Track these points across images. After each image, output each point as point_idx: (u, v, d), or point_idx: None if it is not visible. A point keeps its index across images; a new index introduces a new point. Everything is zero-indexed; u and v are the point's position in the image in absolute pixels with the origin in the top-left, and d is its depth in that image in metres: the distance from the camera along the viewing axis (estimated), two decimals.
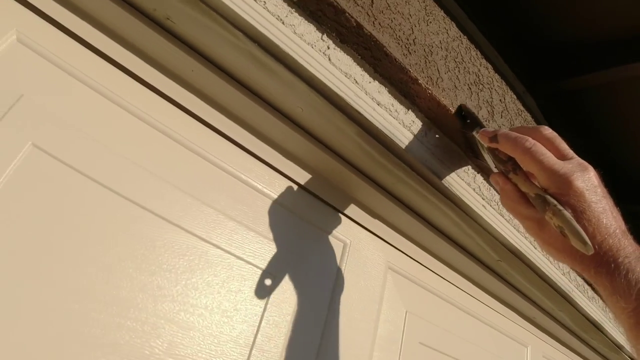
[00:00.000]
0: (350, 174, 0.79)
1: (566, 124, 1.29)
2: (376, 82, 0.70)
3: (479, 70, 0.89)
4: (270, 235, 0.73)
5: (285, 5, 0.63)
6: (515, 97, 1.02)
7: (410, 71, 0.69)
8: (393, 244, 0.92)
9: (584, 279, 1.18)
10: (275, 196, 0.76)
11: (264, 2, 0.61)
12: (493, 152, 0.62)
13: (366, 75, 0.69)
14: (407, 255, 0.95)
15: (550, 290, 1.10)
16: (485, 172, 0.86)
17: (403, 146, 0.72)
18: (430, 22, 0.80)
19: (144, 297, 0.59)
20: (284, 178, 0.78)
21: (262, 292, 0.70)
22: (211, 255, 0.66)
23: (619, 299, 0.47)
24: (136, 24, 0.63)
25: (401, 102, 0.73)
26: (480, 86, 0.87)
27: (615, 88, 1.23)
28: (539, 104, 1.15)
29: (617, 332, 1.43)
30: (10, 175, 0.53)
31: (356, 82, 0.67)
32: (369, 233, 0.88)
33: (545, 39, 1.16)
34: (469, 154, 0.81)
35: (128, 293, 0.58)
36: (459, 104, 0.75)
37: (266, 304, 0.69)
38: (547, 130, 0.57)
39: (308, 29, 0.64)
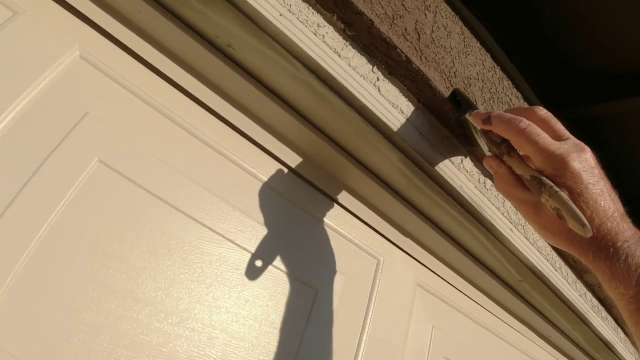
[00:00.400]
0: (388, 195, 0.83)
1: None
2: (419, 111, 0.74)
3: (510, 100, 0.93)
4: (320, 256, 0.78)
5: (340, 38, 0.67)
6: None
7: None
8: (422, 262, 0.96)
9: (569, 263, 1.20)
10: (328, 221, 0.80)
11: (323, 35, 0.65)
12: (487, 134, 0.60)
13: (410, 106, 0.73)
14: (435, 274, 0.99)
15: (567, 310, 1.14)
16: (480, 160, 0.84)
17: (441, 172, 0.76)
18: (469, 54, 0.84)
19: (200, 308, 0.63)
20: (341, 209, 0.83)
21: (304, 307, 0.74)
22: (265, 272, 0.71)
23: (619, 285, 0.46)
24: (197, 48, 0.67)
25: (441, 132, 0.77)
26: None
27: (633, 117, 1.27)
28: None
29: (627, 352, 1.46)
30: (77, 190, 0.57)
31: (402, 112, 0.72)
32: (400, 251, 0.92)
33: (569, 67, 1.20)
34: (462, 141, 0.79)
35: (187, 304, 0.62)
36: (453, 89, 0.74)
37: (308, 317, 0.73)
38: (542, 111, 0.56)
39: (360, 62, 0.69)
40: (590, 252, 0.48)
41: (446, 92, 0.73)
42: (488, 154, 0.67)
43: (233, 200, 0.71)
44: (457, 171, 0.79)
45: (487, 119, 0.59)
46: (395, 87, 0.72)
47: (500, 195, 0.87)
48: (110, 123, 0.62)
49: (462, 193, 0.79)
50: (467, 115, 0.66)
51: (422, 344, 0.91)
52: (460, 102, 0.71)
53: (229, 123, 0.73)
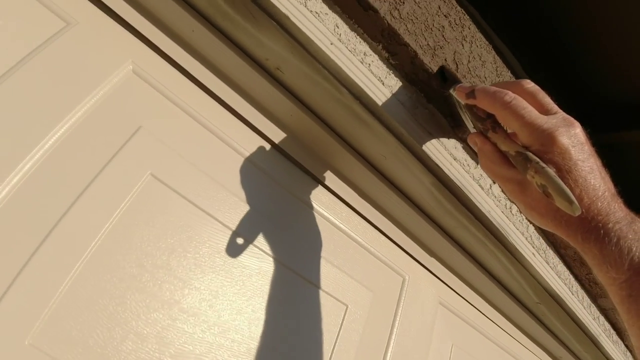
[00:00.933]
0: (417, 216, 0.85)
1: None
2: (453, 139, 0.77)
3: None
4: (351, 272, 0.80)
5: (384, 67, 0.70)
6: None
7: None
8: (445, 281, 0.98)
9: (585, 287, 1.22)
10: (357, 238, 0.83)
11: (369, 64, 0.68)
12: (471, 109, 0.57)
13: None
14: (457, 293, 1.01)
15: (580, 333, 1.16)
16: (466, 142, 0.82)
17: (471, 196, 0.79)
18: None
19: (241, 319, 0.66)
20: (371, 226, 0.85)
21: (335, 323, 0.76)
22: (300, 286, 0.73)
23: (609, 269, 0.43)
24: (247, 69, 0.70)
25: (472, 158, 0.80)
26: None
27: None
28: None
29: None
30: (130, 203, 0.60)
31: (438, 138, 0.74)
32: (425, 269, 0.95)
33: (592, 93, 1.22)
34: (450, 123, 0.77)
35: (228, 316, 0.65)
36: (441, 65, 0.72)
37: (338, 332, 0.76)
38: (529, 84, 0.52)
39: (402, 92, 0.71)
40: (579, 233, 0.45)
41: None
42: (472, 131, 0.64)
43: (277, 219, 0.74)
44: (486, 196, 0.81)
45: (470, 92, 0.55)
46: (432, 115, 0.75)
47: (525, 220, 0.90)
48: (161, 138, 0.65)
49: (489, 217, 0.82)
50: (451, 91, 0.63)
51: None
52: (446, 77, 0.68)
53: (272, 142, 0.76)
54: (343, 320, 0.77)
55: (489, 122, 0.53)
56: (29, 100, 0.55)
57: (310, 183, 0.79)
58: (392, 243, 0.89)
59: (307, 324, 0.72)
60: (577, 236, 0.46)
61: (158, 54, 0.69)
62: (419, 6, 0.73)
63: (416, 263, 0.93)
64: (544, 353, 1.31)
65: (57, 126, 0.56)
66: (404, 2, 0.70)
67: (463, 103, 0.59)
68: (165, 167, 0.64)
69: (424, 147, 0.72)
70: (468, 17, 0.84)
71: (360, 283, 0.81)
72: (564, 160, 0.45)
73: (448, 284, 0.99)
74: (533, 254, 0.91)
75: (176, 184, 0.64)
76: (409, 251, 0.92)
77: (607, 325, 1.25)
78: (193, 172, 0.67)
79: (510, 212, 0.86)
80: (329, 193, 0.81)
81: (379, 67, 0.69)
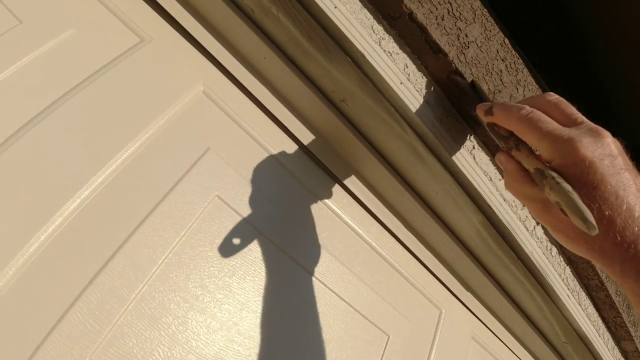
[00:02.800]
0: (460, 251, 0.87)
1: None
2: (504, 180, 0.79)
3: None
4: (393, 303, 0.81)
5: (446, 106, 0.72)
6: None
7: None
8: (479, 317, 0.99)
9: (611, 329, 1.23)
10: (399, 268, 0.84)
11: (433, 106, 0.70)
12: (493, 128, 0.54)
13: (498, 174, 0.78)
14: (489, 329, 1.02)
15: None
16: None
17: (517, 237, 0.80)
18: None
19: (291, 343, 0.67)
20: (413, 257, 0.86)
21: (377, 352, 0.77)
22: (349, 315, 0.75)
23: None
24: (313, 99, 0.72)
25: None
26: None
27: None
28: None
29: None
30: (197, 223, 0.62)
31: (491, 179, 0.76)
32: (460, 304, 0.96)
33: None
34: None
35: (280, 339, 0.66)
36: (471, 80, 0.70)
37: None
38: (552, 96, 0.48)
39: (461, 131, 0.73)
40: (616, 263, 0.38)
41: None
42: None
43: (336, 253, 0.75)
44: (530, 237, 0.82)
45: (489, 109, 0.52)
46: (487, 156, 0.76)
47: (563, 262, 0.91)
48: (228, 160, 0.67)
49: (531, 258, 0.83)
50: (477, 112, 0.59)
51: None
52: (478, 94, 0.65)
53: (333, 175, 0.77)
54: (384, 350, 0.78)
55: (511, 140, 0.50)
56: (101, 115, 0.57)
57: (361, 212, 0.81)
58: (431, 275, 0.90)
59: (354, 354, 0.73)
60: (615, 267, 0.39)
61: (228, 78, 0.71)
62: (481, 50, 0.75)
63: (453, 296, 0.94)
64: None
65: (129, 143, 0.58)
66: (468, 46, 0.73)
67: (485, 122, 0.56)
68: (231, 190, 0.66)
69: (477, 187, 0.74)
70: (521, 61, 0.87)
71: (401, 313, 0.82)
72: (588, 175, 0.39)
73: (481, 319, 1.00)
74: (567, 295, 0.92)
75: (240, 207, 0.66)
76: (447, 284, 0.93)
77: None
78: (256, 195, 0.68)
79: (550, 253, 0.87)
80: (377, 224, 0.83)
81: (444, 106, 0.71)
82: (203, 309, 0.59)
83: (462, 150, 0.72)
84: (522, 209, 0.81)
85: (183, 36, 0.69)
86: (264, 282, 0.66)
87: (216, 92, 0.69)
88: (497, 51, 0.81)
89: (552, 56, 1.03)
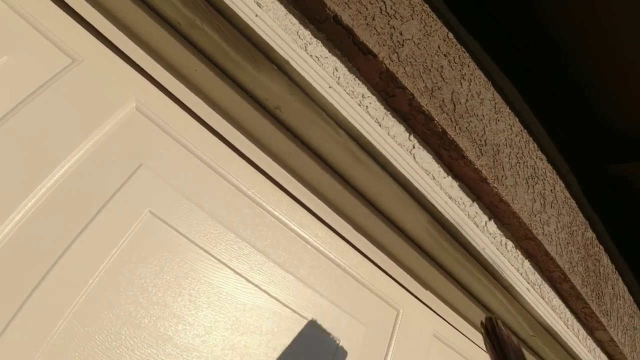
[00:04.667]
0: (413, 251, 0.87)
1: (607, 207, 1.38)
2: (449, 178, 0.79)
3: (535, 163, 0.98)
4: (344, 306, 0.82)
5: (382, 108, 0.72)
6: (563, 185, 1.10)
7: (482, 172, 0.78)
8: (440, 314, 1.01)
9: (582, 320, 1.24)
10: (351, 271, 0.85)
11: (367, 106, 0.70)
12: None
13: (442, 172, 0.78)
14: (452, 325, 1.03)
15: None
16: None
17: (466, 234, 0.81)
18: (499, 120, 0.89)
19: (233, 354, 0.68)
20: (367, 260, 0.87)
21: (326, 357, 0.78)
22: (294, 322, 0.75)
23: None
24: (247, 108, 0.73)
25: (468, 196, 0.82)
26: (535, 179, 0.96)
27: None
28: (584, 189, 1.24)
29: None
30: (129, 240, 0.63)
31: (433, 177, 0.76)
32: (419, 302, 0.97)
33: (596, 127, 1.25)
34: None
35: (220, 351, 0.67)
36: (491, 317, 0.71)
37: None
38: None
39: (399, 130, 0.74)
40: None
41: (476, 161, 0.78)
42: None
43: (280, 260, 0.76)
44: (481, 234, 0.83)
45: None
46: (429, 155, 0.77)
47: (520, 256, 0.92)
48: (162, 175, 0.68)
49: (483, 254, 0.84)
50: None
51: None
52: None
53: (272, 179, 0.78)
54: (334, 356, 0.79)
55: None
56: (34, 137, 0.58)
57: (307, 217, 0.81)
58: (387, 276, 0.91)
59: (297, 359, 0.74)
60: None
61: (162, 92, 0.72)
62: (418, 47, 0.76)
63: (411, 296, 0.95)
64: None
65: (60, 164, 0.59)
66: (403, 45, 0.73)
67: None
68: (165, 204, 0.67)
69: (419, 187, 0.74)
70: (468, 55, 0.87)
71: (353, 317, 0.83)
72: None
73: (443, 316, 1.01)
74: (527, 289, 0.93)
75: (174, 220, 0.67)
76: (404, 284, 0.94)
77: (604, 357, 1.26)
78: (191, 208, 0.69)
79: (506, 248, 0.88)
80: (326, 228, 0.83)
81: (377, 108, 0.72)
82: (137, 324, 0.60)
83: (400, 150, 0.73)
84: (470, 206, 0.82)
85: (115, 53, 0.69)
86: (201, 294, 0.67)
87: (150, 107, 0.69)
88: (439, 47, 0.81)
89: (509, 46, 1.03)
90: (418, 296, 0.96)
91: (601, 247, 1.28)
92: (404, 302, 0.93)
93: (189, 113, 0.73)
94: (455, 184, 0.80)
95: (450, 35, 0.84)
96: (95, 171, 0.62)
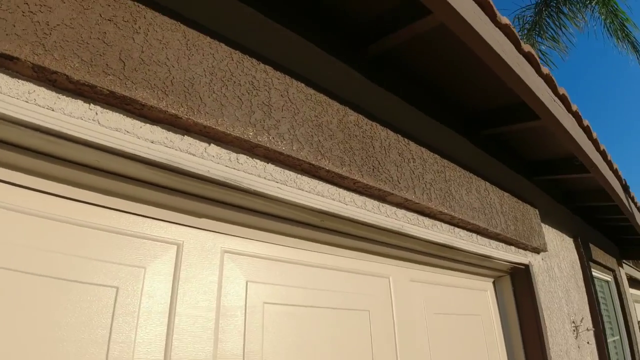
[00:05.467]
0: (161, 192, 1.09)
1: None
2: (148, 125, 0.99)
3: (255, 77, 1.18)
4: (116, 256, 1.03)
5: (54, 93, 0.89)
6: (303, 85, 1.31)
7: (169, 110, 0.98)
8: (226, 232, 1.23)
9: (373, 195, 1.52)
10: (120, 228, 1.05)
11: (35, 99, 0.87)
12: None
13: (138, 123, 0.97)
14: (241, 237, 1.27)
15: (377, 230, 1.48)
16: None
17: (183, 165, 1.02)
18: (193, 54, 1.08)
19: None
20: (132, 215, 1.07)
21: (106, 308, 0.98)
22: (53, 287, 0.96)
23: None
24: None
25: (176, 133, 1.02)
26: (255, 92, 1.17)
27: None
28: (341, 79, 1.47)
29: (472, 246, 1.84)
30: None
31: (127, 132, 0.96)
32: (200, 230, 1.18)
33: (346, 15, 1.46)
34: None
35: None
36: None
37: (112, 316, 0.98)
38: None
39: (76, 105, 0.91)
40: None
41: (159, 103, 0.96)
42: None
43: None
44: (202, 159, 1.05)
45: None
46: (117, 114, 0.95)
47: (260, 163, 1.15)
48: None
49: (210, 176, 1.05)
50: None
51: (237, 297, 1.19)
52: None
53: None
54: (115, 302, 0.99)
55: None
56: None
57: None
58: (147, 218, 1.11)
59: (78, 322, 0.93)
60: None
61: None
62: (72, 27, 0.91)
63: (189, 228, 1.17)
64: (369, 253, 1.65)
65: None
66: (50, 33, 0.88)
67: None
68: None
69: (109, 144, 0.94)
70: (144, 6, 1.03)
71: (129, 265, 1.04)
72: None
73: (230, 233, 1.24)
74: (279, 187, 1.17)
75: None
76: (175, 221, 1.15)
77: (411, 215, 1.56)
78: None
79: (238, 161, 1.10)
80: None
81: (46, 97, 0.88)
82: None
83: (82, 122, 0.91)
84: (182, 140, 1.03)
85: None
86: None
87: None
88: (100, 15, 0.97)
89: None
90: (196, 226, 1.17)
91: (374, 123, 1.54)
92: (180, 235, 1.14)
93: None
94: (157, 128, 0.99)
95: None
96: None
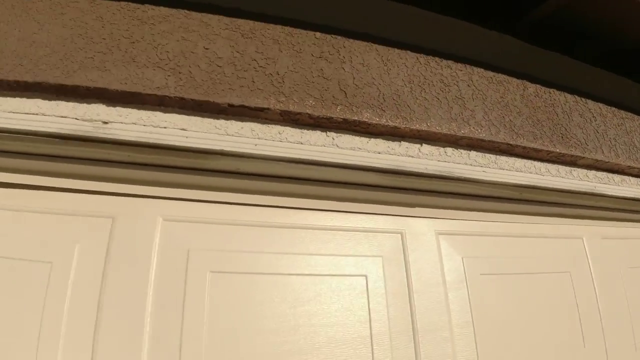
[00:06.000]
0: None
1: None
2: (373, 139, 1.14)
3: (442, 74, 1.28)
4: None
5: (298, 131, 1.09)
6: (482, 69, 1.37)
7: (388, 124, 1.12)
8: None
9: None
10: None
11: (286, 138, 1.07)
12: None
13: (364, 140, 1.13)
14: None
15: (571, 194, 1.53)
16: None
17: (409, 168, 1.17)
18: (390, 68, 1.20)
19: None
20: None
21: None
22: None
23: None
24: None
25: (392, 140, 1.18)
26: (447, 87, 1.26)
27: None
28: (507, 52, 1.50)
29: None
30: None
31: (359, 148, 1.12)
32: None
33: None
34: None
35: None
36: None
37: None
38: None
39: (315, 135, 1.10)
40: None
41: (380, 120, 1.12)
42: None
43: None
44: (418, 159, 1.18)
45: None
46: (349, 136, 1.13)
47: (464, 152, 1.26)
48: None
49: (427, 172, 1.19)
50: None
51: (457, 274, 1.36)
52: None
53: None
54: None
55: None
56: None
57: None
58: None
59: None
60: None
61: None
62: (295, 71, 1.09)
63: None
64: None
65: None
66: (283, 81, 1.06)
67: None
68: None
69: (346, 162, 1.11)
70: (340, 37, 1.18)
71: (369, 256, 1.24)
72: None
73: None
74: (484, 171, 1.27)
75: None
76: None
77: (606, 175, 1.58)
78: None
79: (446, 154, 1.23)
80: None
81: (294, 134, 1.07)
82: None
83: (322, 148, 1.09)
84: (399, 147, 1.17)
85: None
86: None
87: None
88: (312, 54, 1.13)
89: None
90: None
91: (552, 90, 1.55)
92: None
93: None
94: (380, 141, 1.14)
95: (318, 34, 1.16)
96: None
